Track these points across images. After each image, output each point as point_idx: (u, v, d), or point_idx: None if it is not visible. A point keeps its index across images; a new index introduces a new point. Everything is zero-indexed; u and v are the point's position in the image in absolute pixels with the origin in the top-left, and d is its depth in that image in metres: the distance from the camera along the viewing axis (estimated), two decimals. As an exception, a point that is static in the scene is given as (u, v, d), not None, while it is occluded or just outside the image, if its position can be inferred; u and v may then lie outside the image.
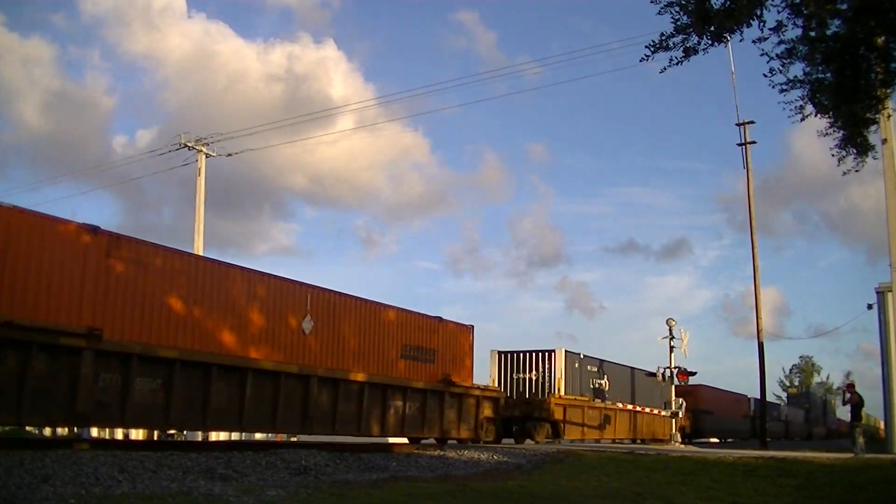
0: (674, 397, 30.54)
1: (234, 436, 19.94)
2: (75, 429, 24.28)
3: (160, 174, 48.57)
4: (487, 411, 22.39)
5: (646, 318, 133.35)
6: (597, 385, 28.56)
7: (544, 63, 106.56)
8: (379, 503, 8.62)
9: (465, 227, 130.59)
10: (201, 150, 32.93)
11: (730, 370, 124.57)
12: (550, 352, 26.41)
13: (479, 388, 22.34)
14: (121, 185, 79.34)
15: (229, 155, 33.62)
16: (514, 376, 26.39)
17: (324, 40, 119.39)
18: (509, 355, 26.84)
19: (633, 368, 32.78)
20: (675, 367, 29.61)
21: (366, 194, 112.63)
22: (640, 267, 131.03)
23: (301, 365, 16.59)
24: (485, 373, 26.51)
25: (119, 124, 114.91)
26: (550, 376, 25.96)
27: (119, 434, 23.87)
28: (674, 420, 30.04)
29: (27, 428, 27.78)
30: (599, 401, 28.80)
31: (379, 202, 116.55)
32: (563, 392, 25.83)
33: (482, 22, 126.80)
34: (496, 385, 25.55)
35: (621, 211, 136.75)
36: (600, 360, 29.76)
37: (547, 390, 25.63)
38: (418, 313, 20.97)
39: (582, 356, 27.89)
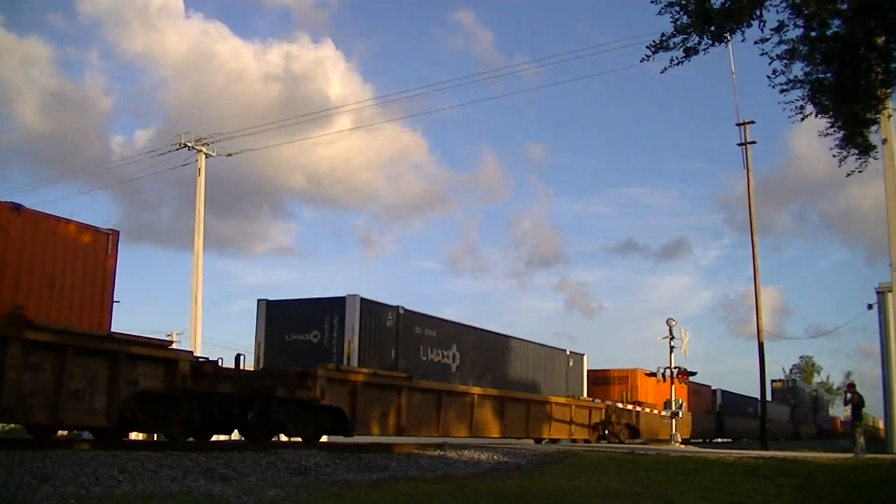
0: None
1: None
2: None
3: (159, 174, 48.57)
4: (148, 381, 13.19)
5: (646, 318, 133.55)
6: (438, 358, 20.34)
7: (543, 63, 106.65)
8: (379, 503, 8.61)
9: (464, 227, 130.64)
10: (201, 150, 32.93)
11: (730, 370, 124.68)
12: (340, 301, 17.80)
13: (118, 338, 12.75)
14: (120, 185, 79.34)
15: (229, 155, 33.65)
16: (290, 338, 18.18)
17: (322, 40, 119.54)
18: (282, 308, 18.68)
19: (525, 341, 25.26)
20: (675, 367, 29.62)
21: (364, 194, 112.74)
22: (639, 267, 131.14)
23: None
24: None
25: (117, 124, 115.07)
26: (340, 339, 17.62)
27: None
28: (673, 420, 30.02)
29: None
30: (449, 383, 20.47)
31: (378, 202, 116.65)
32: (354, 362, 17.15)
33: (479, 22, 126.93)
34: (261, 351, 18.29)
35: (621, 211, 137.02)
36: (446, 321, 21.30)
37: (336, 359, 17.17)
38: None
39: (402, 311, 19.14)
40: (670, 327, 29.76)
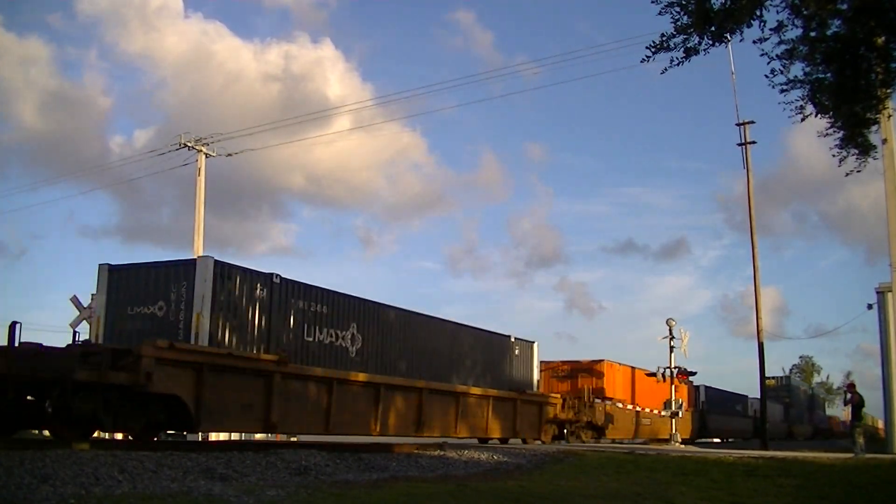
0: (672, 394, 30.22)
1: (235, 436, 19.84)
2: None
3: (159, 174, 48.60)
4: None
5: (646, 318, 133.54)
6: (330, 340, 17.04)
7: (543, 63, 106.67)
8: (379, 503, 8.61)
9: (464, 227, 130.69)
10: (201, 150, 32.95)
11: (730, 370, 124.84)
12: (189, 266, 14.73)
13: None
14: (120, 185, 79.37)
15: (229, 155, 33.69)
16: (133, 311, 15.02)
17: (321, 40, 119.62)
18: (126, 275, 15.38)
19: (455, 324, 21.95)
20: (675, 367, 29.67)
21: (364, 194, 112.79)
22: (639, 267, 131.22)
23: None
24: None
25: (117, 124, 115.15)
26: (189, 312, 14.42)
27: (119, 433, 23.76)
28: (673, 420, 30.04)
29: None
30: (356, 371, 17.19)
31: (377, 202, 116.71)
32: (204, 340, 14.15)
33: (479, 22, 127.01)
34: (100, 327, 15.21)
35: (620, 211, 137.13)
36: (342, 295, 17.65)
37: (183, 336, 14.25)
38: None
39: (277, 280, 15.83)
40: (670, 327, 29.85)
